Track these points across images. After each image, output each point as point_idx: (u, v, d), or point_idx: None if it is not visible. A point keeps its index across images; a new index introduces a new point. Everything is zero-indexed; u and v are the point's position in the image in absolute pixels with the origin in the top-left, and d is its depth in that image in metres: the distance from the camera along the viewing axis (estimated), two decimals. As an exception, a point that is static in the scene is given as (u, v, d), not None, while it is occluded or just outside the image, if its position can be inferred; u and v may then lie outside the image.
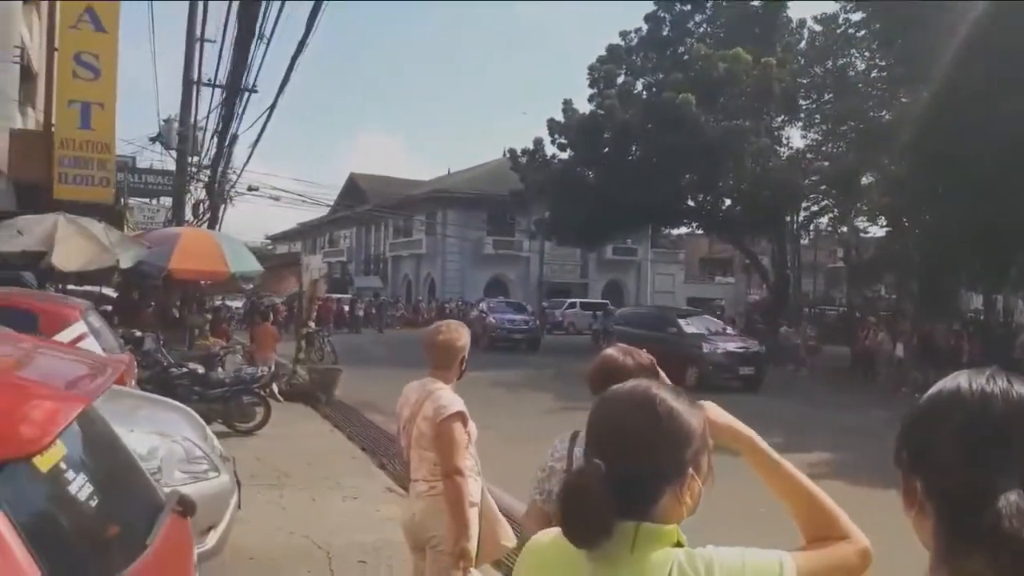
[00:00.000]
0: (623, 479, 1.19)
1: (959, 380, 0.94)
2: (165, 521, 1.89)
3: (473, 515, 3.26)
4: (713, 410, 1.40)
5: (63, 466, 1.65)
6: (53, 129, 12.31)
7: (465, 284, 46.46)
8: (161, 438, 3.97)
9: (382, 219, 52.53)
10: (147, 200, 25.30)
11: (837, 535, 1.34)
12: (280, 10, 7.68)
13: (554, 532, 1.33)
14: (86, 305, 6.84)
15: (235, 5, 9.95)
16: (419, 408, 3.34)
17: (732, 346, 17.89)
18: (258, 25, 8.03)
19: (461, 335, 3.47)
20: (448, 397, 3.30)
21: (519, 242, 47.36)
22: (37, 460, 1.53)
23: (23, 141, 12.27)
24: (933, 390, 0.96)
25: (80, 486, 1.68)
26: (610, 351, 2.43)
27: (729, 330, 20.88)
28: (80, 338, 5.67)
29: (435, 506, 3.28)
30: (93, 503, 1.71)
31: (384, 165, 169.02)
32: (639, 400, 1.27)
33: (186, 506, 2.13)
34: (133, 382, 6.09)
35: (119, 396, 3.78)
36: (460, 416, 3.27)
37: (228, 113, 13.05)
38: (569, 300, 38.91)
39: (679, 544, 1.22)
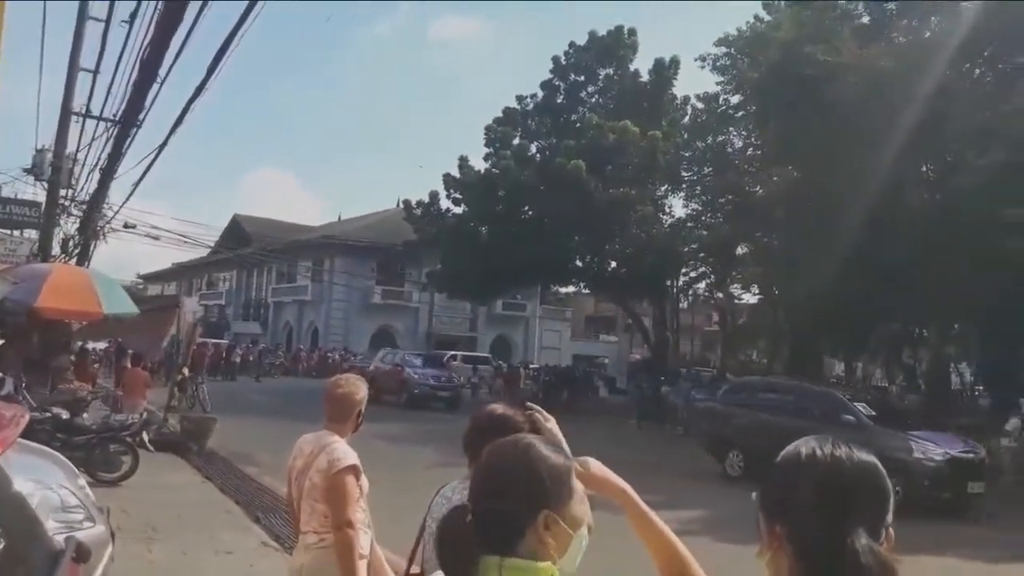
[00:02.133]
0: (484, 516, 1.31)
1: (811, 444, 1.18)
2: (65, 566, 1.84)
3: (362, 567, 3.24)
4: (592, 464, 1.58)
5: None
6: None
7: (350, 333, 45.72)
8: (35, 485, 3.73)
9: (265, 263, 51.13)
10: (8, 232, 23.74)
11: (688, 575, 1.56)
12: (178, 54, 7.53)
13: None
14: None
15: (121, 37, 9.67)
16: (313, 460, 3.32)
17: (953, 450, 12.02)
18: (161, 69, 7.85)
19: (359, 389, 3.49)
20: (342, 450, 3.31)
21: (408, 293, 47.21)
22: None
23: None
24: (791, 451, 1.19)
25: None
26: (491, 407, 2.52)
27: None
28: None
29: (325, 558, 3.24)
30: (0, 546, 1.66)
31: (271, 208, 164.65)
32: (509, 446, 1.39)
33: (81, 553, 2.07)
34: None
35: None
36: (353, 469, 3.28)
37: (115, 151, 12.52)
38: (451, 352, 38.71)
39: None
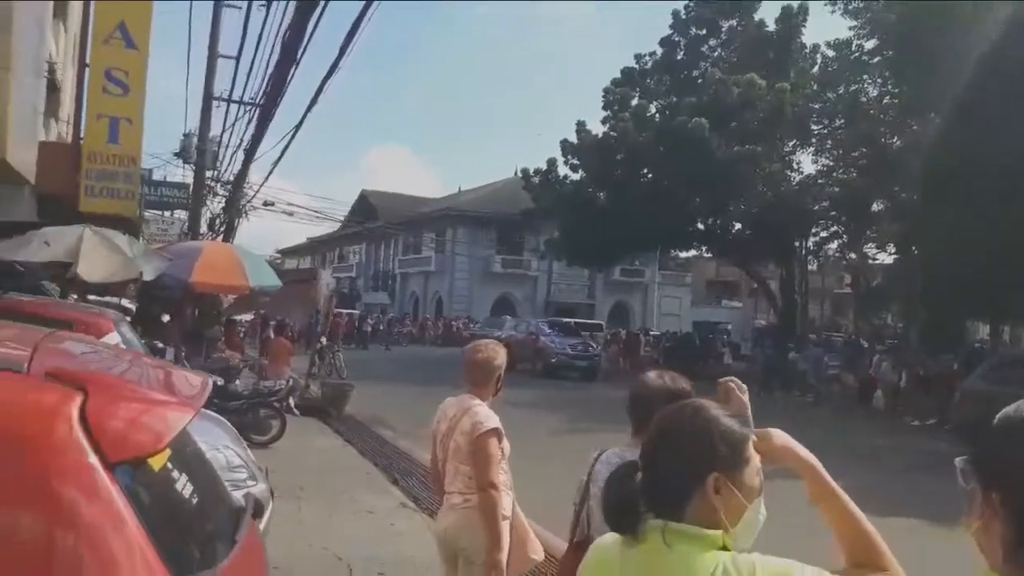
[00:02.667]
0: (653, 477, 1.35)
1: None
2: (247, 520, 2.07)
3: (505, 528, 3.38)
4: (777, 436, 1.50)
5: (169, 465, 1.83)
6: (81, 142, 12.56)
7: (472, 302, 46.65)
8: (204, 446, 4.10)
9: (392, 236, 52.91)
10: (160, 213, 25.60)
11: (878, 565, 1.43)
12: (312, 32, 7.89)
13: (615, 535, 1.49)
14: (118, 316, 7.02)
15: (258, 25, 10.20)
16: (456, 423, 3.47)
17: None
18: (299, 51, 8.24)
19: (499, 354, 3.61)
20: (485, 413, 3.44)
21: (527, 261, 47.59)
22: (151, 460, 1.72)
23: (50, 153, 12.46)
24: (1010, 413, 1.09)
25: (183, 485, 1.86)
26: (649, 374, 2.59)
27: None
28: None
29: (469, 518, 3.39)
30: (194, 500, 1.89)
31: (395, 182, 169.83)
32: (681, 411, 1.42)
33: (257, 508, 2.30)
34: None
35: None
36: (496, 432, 3.40)
37: (258, 131, 13.28)
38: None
39: (726, 548, 1.32)
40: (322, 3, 7.34)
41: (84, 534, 1.52)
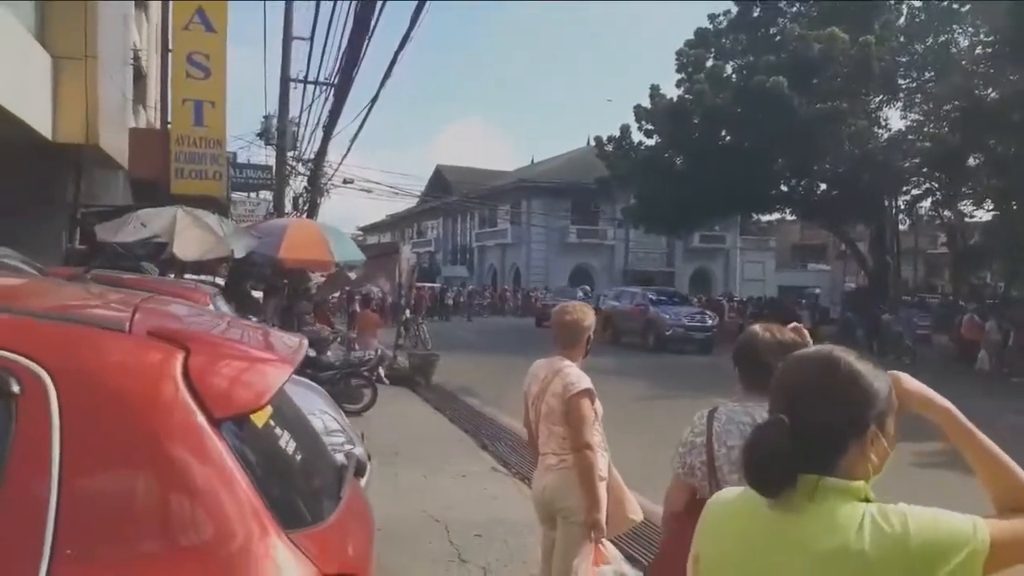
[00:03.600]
0: (806, 433, 1.27)
1: None
2: (350, 477, 2.10)
3: (602, 488, 3.36)
4: (906, 379, 1.44)
5: (272, 423, 1.86)
6: (169, 127, 13.01)
7: (549, 273, 46.64)
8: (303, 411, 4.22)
9: (468, 209, 53.28)
10: (247, 194, 26.40)
11: None
12: (382, 7, 7.95)
13: (739, 490, 1.43)
14: (214, 292, 7.26)
15: (329, 7, 10.33)
16: (548, 385, 3.46)
17: None
18: (372, 22, 8.31)
19: (587, 315, 3.58)
20: (576, 374, 3.41)
21: (603, 231, 47.22)
22: (254, 416, 1.74)
23: (141, 139, 12.96)
24: None
25: (287, 442, 1.89)
26: (755, 328, 2.50)
27: None
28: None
29: (565, 479, 3.39)
30: (298, 457, 1.92)
31: (468, 156, 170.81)
32: (824, 360, 1.34)
33: (359, 467, 2.33)
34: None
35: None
36: (588, 393, 3.38)
37: (336, 108, 13.51)
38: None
39: (867, 500, 1.27)
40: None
41: (197, 493, 1.53)
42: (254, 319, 10.57)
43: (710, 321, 23.56)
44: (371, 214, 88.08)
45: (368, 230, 68.06)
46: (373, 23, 8.73)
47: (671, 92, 28.87)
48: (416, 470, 7.23)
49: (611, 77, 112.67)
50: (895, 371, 1.44)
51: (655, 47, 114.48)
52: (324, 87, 15.73)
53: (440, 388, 12.88)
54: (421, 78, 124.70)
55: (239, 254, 10.10)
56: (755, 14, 29.88)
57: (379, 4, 7.92)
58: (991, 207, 27.85)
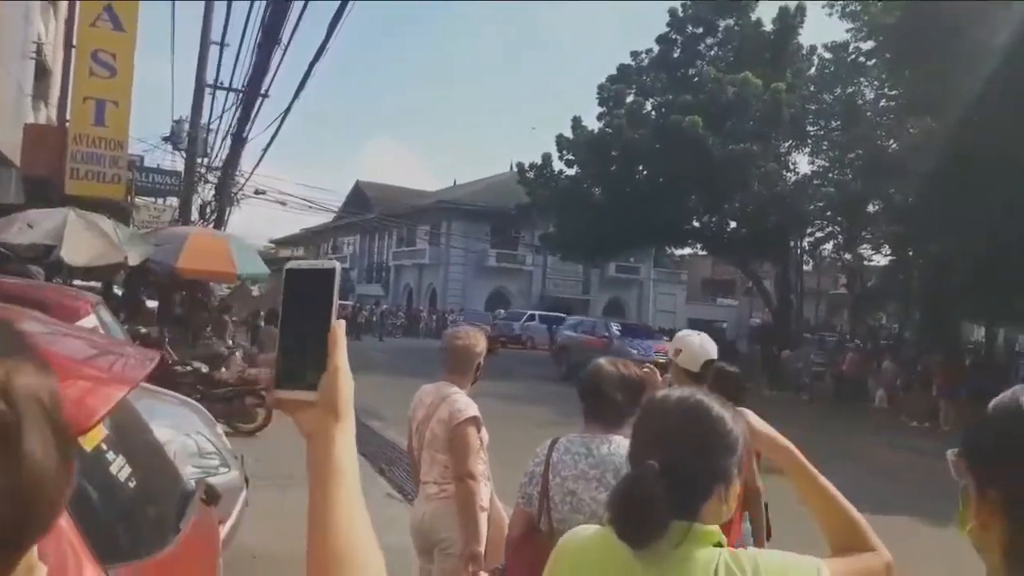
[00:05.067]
0: (675, 480, 1.23)
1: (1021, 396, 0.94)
2: (195, 507, 1.94)
3: (483, 519, 3.28)
4: (754, 419, 1.45)
5: (104, 447, 1.70)
6: (67, 124, 12.40)
7: (467, 295, 46.55)
8: (174, 432, 3.99)
9: (386, 227, 52.73)
10: (153, 199, 25.41)
11: (863, 547, 1.37)
12: (300, 16, 7.79)
13: (592, 529, 1.37)
14: (96, 300, 6.86)
15: (251, 9, 10.10)
16: (434, 411, 3.37)
17: None
18: (282, 32, 8.11)
19: (479, 341, 3.51)
20: (463, 402, 3.33)
21: (522, 256, 47.52)
22: (81, 439, 1.57)
23: (36, 135, 12.32)
24: (1007, 401, 0.95)
25: (119, 468, 1.72)
26: (601, 360, 2.51)
27: None
28: (92, 332, 5.69)
29: (445, 509, 3.29)
30: (131, 485, 1.76)
31: (390, 174, 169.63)
32: (691, 406, 1.33)
33: (211, 495, 2.17)
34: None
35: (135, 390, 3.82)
36: (474, 421, 3.30)
37: (244, 117, 13.14)
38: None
39: (719, 544, 1.26)
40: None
41: None
42: (144, 330, 10.13)
43: None
44: (286, 227, 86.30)
45: (281, 243, 66.44)
46: (289, 35, 8.54)
47: (593, 124, 29.45)
48: (305, 494, 6.93)
49: (536, 105, 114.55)
50: (743, 408, 1.44)
51: (579, 79, 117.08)
52: (239, 94, 15.31)
53: (343, 409, 12.52)
54: (345, 95, 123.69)
55: (133, 261, 9.67)
56: (675, 55, 30.79)
57: (292, 16, 7.73)
58: (888, 252, 29.34)
